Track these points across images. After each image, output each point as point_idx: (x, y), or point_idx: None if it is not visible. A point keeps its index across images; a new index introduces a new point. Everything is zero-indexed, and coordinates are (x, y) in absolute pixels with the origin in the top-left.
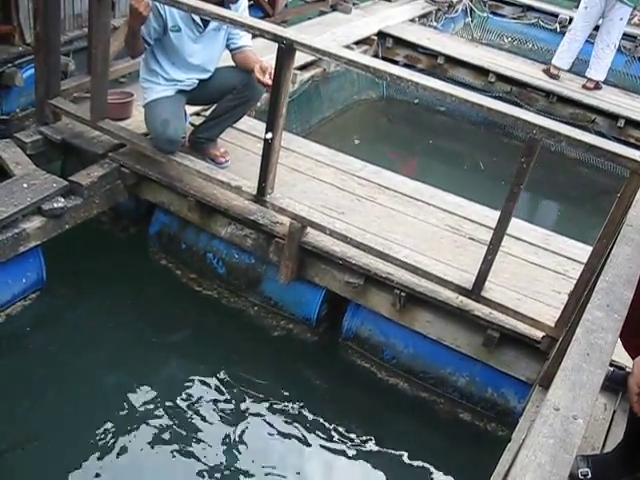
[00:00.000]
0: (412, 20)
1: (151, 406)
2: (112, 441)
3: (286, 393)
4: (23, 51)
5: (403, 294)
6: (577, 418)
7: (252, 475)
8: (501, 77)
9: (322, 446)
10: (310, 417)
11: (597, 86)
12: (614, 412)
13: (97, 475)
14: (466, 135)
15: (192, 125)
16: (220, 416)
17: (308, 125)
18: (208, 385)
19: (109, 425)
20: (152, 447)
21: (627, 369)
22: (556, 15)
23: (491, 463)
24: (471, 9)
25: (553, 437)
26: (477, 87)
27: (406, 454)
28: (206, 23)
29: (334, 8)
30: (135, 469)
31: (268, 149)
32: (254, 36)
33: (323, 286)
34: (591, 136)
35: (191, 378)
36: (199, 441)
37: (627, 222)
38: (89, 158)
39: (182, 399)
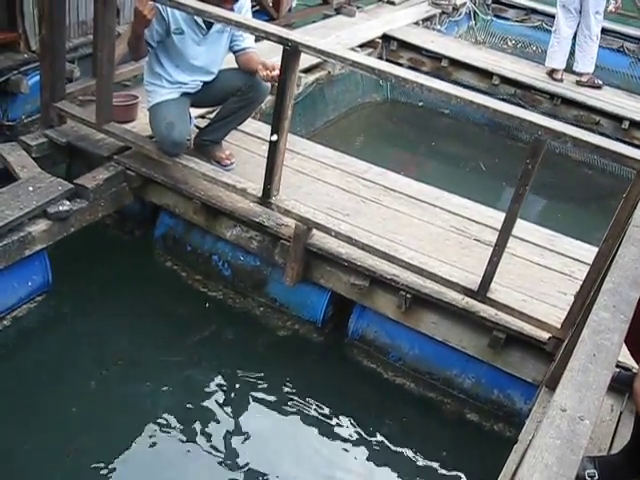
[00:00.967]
0: (416, 23)
1: (158, 406)
2: (119, 440)
3: (292, 391)
4: (28, 58)
5: (409, 296)
6: (584, 419)
7: (259, 472)
8: (505, 80)
9: (328, 444)
10: (317, 415)
11: (597, 85)
12: (621, 413)
13: (107, 472)
14: (470, 137)
15: (197, 128)
16: (227, 416)
17: (313, 127)
18: (214, 385)
19: (115, 425)
20: (158, 445)
21: (634, 370)
22: None
23: (498, 464)
24: (475, 12)
25: (560, 438)
26: (481, 90)
27: (412, 454)
28: (209, 25)
29: (338, 11)
30: (143, 468)
31: (273, 151)
32: (259, 39)
33: (329, 288)
34: (597, 137)
35: (197, 378)
36: (206, 440)
37: (633, 223)
38: (94, 161)
39: (188, 399)
